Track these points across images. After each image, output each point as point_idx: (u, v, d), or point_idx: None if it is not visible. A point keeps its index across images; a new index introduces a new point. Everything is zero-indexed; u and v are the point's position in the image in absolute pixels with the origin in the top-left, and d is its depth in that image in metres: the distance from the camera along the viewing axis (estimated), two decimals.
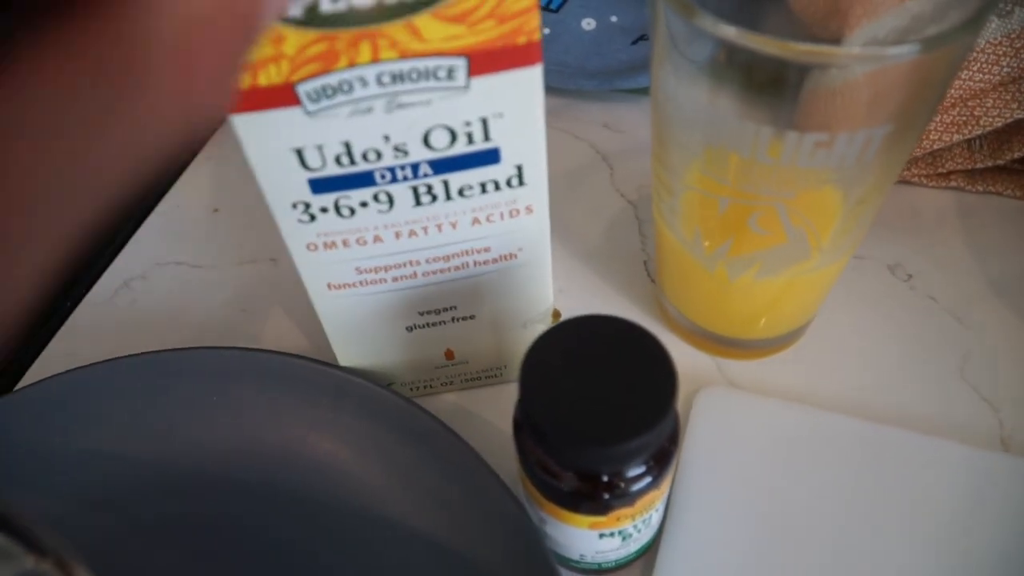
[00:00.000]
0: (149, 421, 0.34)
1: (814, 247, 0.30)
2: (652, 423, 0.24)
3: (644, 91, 0.47)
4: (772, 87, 0.25)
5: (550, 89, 0.48)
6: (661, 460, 0.26)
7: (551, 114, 0.47)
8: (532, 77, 0.25)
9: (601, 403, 0.24)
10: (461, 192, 0.27)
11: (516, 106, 0.26)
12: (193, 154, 0.47)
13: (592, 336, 0.25)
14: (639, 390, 0.24)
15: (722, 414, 0.34)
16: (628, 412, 0.24)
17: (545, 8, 0.50)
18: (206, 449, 0.33)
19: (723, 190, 0.28)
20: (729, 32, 0.24)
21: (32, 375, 0.39)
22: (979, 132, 0.38)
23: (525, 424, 0.26)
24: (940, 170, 0.41)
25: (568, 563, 0.30)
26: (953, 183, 0.42)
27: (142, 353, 0.34)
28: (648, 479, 0.26)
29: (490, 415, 0.36)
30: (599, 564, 0.30)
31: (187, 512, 0.32)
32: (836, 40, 0.33)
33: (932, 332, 0.37)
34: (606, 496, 0.26)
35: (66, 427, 0.33)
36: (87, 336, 0.40)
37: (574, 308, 0.39)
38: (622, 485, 0.26)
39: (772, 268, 0.30)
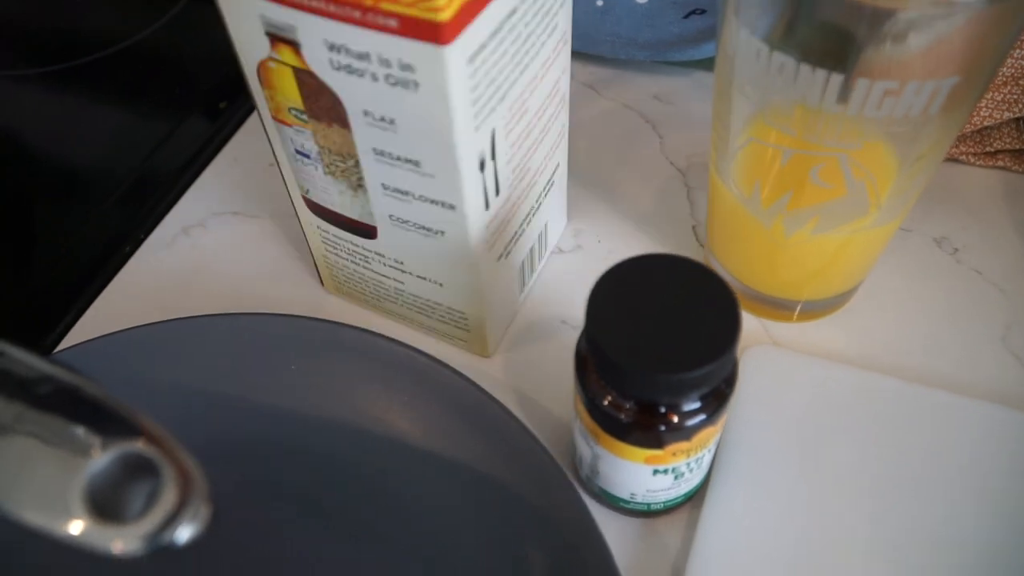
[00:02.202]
0: (223, 385, 0.34)
1: (872, 202, 0.30)
2: (714, 356, 0.24)
3: (695, 64, 0.48)
4: (840, 39, 0.26)
5: (602, 60, 0.49)
6: (717, 398, 0.27)
7: (602, 84, 0.48)
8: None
9: (665, 335, 0.25)
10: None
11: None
12: (249, 111, 0.48)
13: (659, 273, 0.26)
14: (702, 326, 0.25)
15: (769, 372, 0.35)
16: (691, 345, 0.24)
17: None
18: (280, 417, 0.34)
19: (787, 140, 0.29)
20: None
21: (90, 316, 0.40)
22: None
23: (589, 352, 0.27)
24: (988, 148, 0.42)
25: (618, 503, 0.31)
26: (1000, 162, 0.42)
27: (220, 314, 0.35)
28: (703, 415, 0.26)
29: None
30: (648, 504, 0.31)
31: (254, 479, 0.33)
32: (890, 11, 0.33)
33: (976, 302, 0.38)
34: (663, 428, 0.26)
35: (138, 385, 0.34)
36: (147, 278, 0.41)
37: None
38: (678, 419, 0.26)
39: (829, 224, 0.31)
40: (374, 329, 0.35)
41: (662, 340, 0.25)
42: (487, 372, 0.37)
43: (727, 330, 0.25)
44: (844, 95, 0.26)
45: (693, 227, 0.41)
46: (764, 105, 0.29)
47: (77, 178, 0.47)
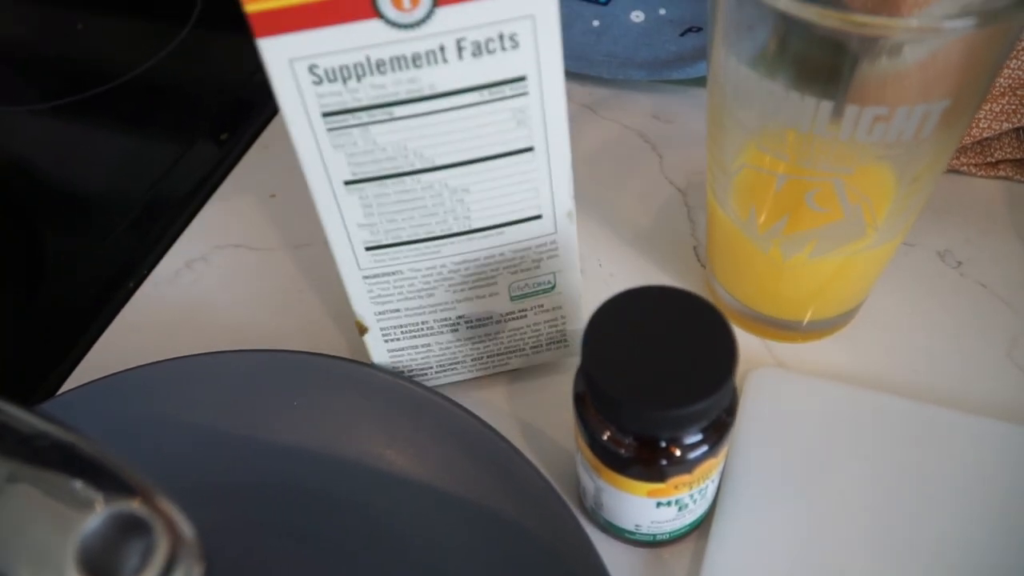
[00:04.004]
0: (223, 422, 0.34)
1: (869, 224, 0.30)
2: (712, 390, 0.24)
3: (693, 82, 0.48)
4: (828, 64, 0.26)
5: (599, 80, 0.49)
6: (718, 429, 0.26)
7: (600, 104, 0.48)
8: None
9: (662, 369, 0.25)
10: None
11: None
12: (249, 143, 0.49)
13: (654, 306, 0.26)
14: (700, 358, 0.25)
15: (773, 394, 0.34)
16: (689, 378, 0.24)
17: (594, 1, 0.51)
18: (282, 455, 0.34)
19: (780, 166, 0.29)
20: (791, 5, 0.24)
21: (96, 353, 0.40)
22: None
23: (587, 389, 0.27)
24: (989, 159, 0.41)
25: (623, 534, 0.31)
26: (1002, 172, 0.42)
27: (221, 352, 0.35)
28: (705, 447, 0.26)
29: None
30: (654, 535, 0.30)
31: (256, 517, 0.33)
32: None
33: (981, 316, 0.37)
34: (664, 462, 0.26)
35: (138, 425, 0.34)
36: (151, 313, 0.41)
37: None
38: (680, 452, 0.26)
39: (827, 247, 0.31)
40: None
41: (659, 374, 0.25)
42: (491, 402, 0.37)
43: (724, 361, 0.25)
44: (835, 121, 0.26)
45: (694, 248, 0.41)
46: (757, 131, 0.29)
47: (81, 213, 0.47)
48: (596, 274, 0.40)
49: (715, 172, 0.33)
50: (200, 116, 0.51)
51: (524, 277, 0.33)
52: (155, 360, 0.35)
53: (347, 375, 0.35)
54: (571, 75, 0.49)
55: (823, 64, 0.26)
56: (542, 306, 0.34)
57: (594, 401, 0.26)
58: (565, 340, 0.36)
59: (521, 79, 0.26)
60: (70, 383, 0.39)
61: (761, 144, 0.28)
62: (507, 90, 0.26)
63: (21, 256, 0.46)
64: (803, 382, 0.35)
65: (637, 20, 0.49)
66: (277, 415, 0.34)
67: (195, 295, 0.42)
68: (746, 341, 0.37)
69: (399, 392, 0.34)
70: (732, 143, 0.30)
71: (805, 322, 0.36)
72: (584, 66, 0.48)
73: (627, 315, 0.26)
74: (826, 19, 0.24)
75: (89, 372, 0.39)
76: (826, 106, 0.26)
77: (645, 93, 0.48)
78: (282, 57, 0.25)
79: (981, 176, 0.42)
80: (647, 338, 0.25)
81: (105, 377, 0.35)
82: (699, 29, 0.48)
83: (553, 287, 0.33)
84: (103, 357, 0.40)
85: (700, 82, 0.48)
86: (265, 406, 0.34)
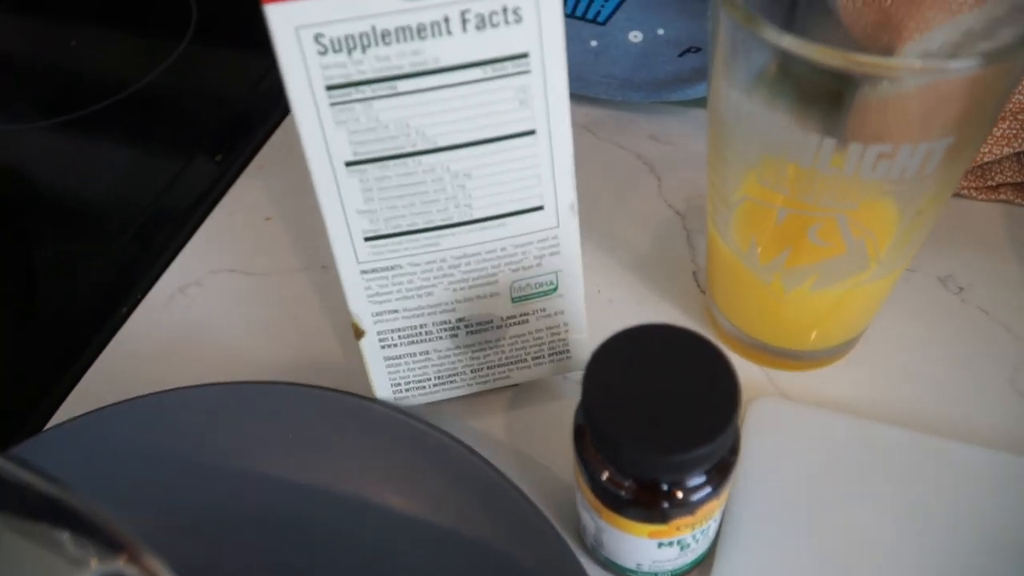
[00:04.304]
0: (217, 456, 0.34)
1: (872, 258, 0.30)
2: (715, 433, 0.24)
3: (692, 103, 0.48)
4: (829, 97, 0.26)
5: (597, 101, 0.48)
6: (722, 470, 0.26)
7: (597, 125, 0.48)
8: None
9: (664, 412, 0.24)
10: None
11: None
12: (245, 163, 0.48)
13: (654, 345, 0.26)
14: (701, 400, 0.24)
15: (775, 425, 0.34)
16: (691, 422, 0.24)
17: (592, 21, 0.50)
18: (277, 489, 0.33)
19: (782, 200, 0.28)
20: (792, 43, 0.24)
21: (89, 381, 0.39)
22: None
23: (587, 431, 0.26)
24: (990, 182, 0.41)
25: (625, 572, 0.30)
26: (1002, 196, 0.42)
27: (215, 384, 0.35)
28: (708, 489, 0.26)
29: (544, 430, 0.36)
30: (655, 574, 0.30)
31: (250, 552, 0.32)
32: (887, 52, 0.33)
33: (983, 343, 0.37)
34: (666, 505, 0.26)
35: (130, 460, 0.34)
36: (145, 340, 0.41)
37: (623, 319, 0.39)
38: (682, 495, 0.26)
39: (829, 279, 0.31)
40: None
41: (662, 417, 0.24)
42: (489, 434, 0.36)
43: (727, 403, 0.24)
44: (838, 157, 0.26)
45: (694, 273, 0.41)
46: (757, 164, 0.28)
47: (73, 236, 0.46)
48: (596, 300, 0.40)
49: (715, 202, 0.32)
50: (195, 135, 0.51)
51: (525, 276, 0.32)
52: (148, 391, 0.35)
53: (343, 408, 0.34)
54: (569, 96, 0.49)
55: (824, 95, 0.26)
56: (544, 311, 0.34)
57: (594, 442, 0.26)
58: (568, 351, 0.35)
59: (523, 56, 0.27)
60: (62, 413, 0.38)
61: (762, 177, 0.28)
62: (510, 67, 0.27)
63: (12, 281, 0.45)
64: (805, 413, 0.34)
65: (635, 40, 0.49)
66: (272, 449, 0.34)
67: (189, 321, 0.41)
68: (746, 369, 0.37)
69: (396, 426, 0.33)
70: (733, 174, 0.30)
71: (806, 351, 0.35)
72: (581, 87, 0.48)
73: (629, 353, 0.26)
74: (829, 59, 0.24)
75: (81, 401, 0.39)
76: (829, 143, 0.25)
77: (643, 114, 0.48)
78: (288, 25, 0.25)
79: (982, 200, 0.42)
80: (649, 378, 0.25)
81: (97, 410, 0.34)
82: (698, 49, 0.48)
83: (555, 288, 0.33)
84: (96, 385, 0.39)
85: (699, 103, 0.48)
86: (259, 440, 0.34)
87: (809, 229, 0.29)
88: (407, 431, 0.33)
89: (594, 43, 0.49)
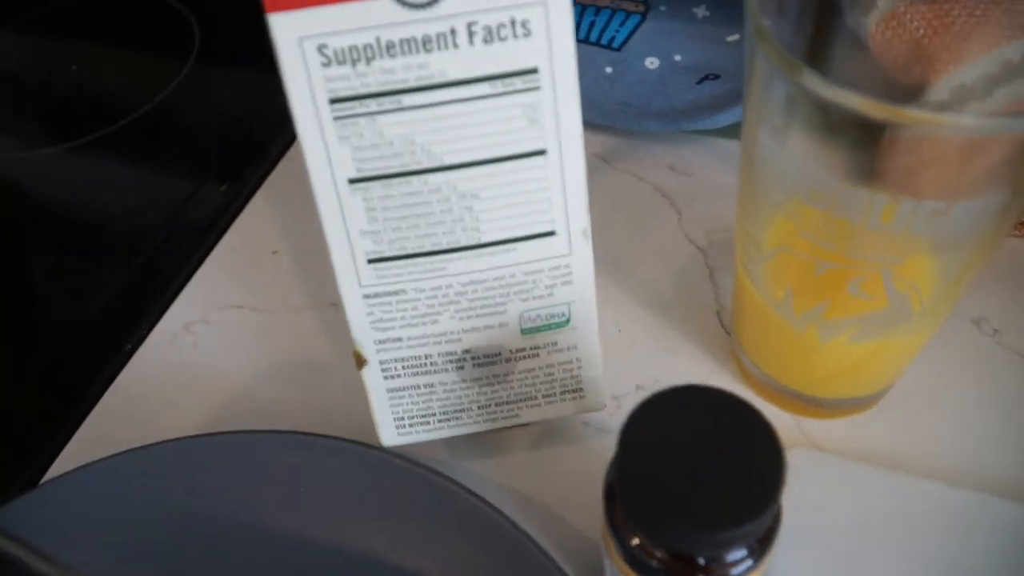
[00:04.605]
0: (223, 509, 0.33)
1: (916, 311, 0.28)
2: (761, 508, 0.22)
3: (711, 131, 0.46)
4: (874, 147, 0.24)
5: (612, 129, 0.47)
6: (764, 542, 0.25)
7: (613, 155, 0.47)
8: None
9: (704, 483, 0.23)
10: None
11: None
12: (251, 193, 0.47)
13: (694, 407, 0.24)
14: (745, 471, 0.23)
15: (807, 478, 0.33)
16: (735, 494, 0.23)
17: (607, 47, 0.49)
18: (288, 545, 0.32)
19: (823, 253, 0.27)
20: (836, 94, 0.23)
21: (91, 425, 0.38)
22: None
23: (620, 498, 0.25)
24: (1022, 219, 0.40)
25: None
26: None
27: (226, 432, 0.33)
28: (750, 562, 0.24)
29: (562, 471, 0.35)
30: None
31: None
32: (920, 86, 0.32)
33: (1020, 388, 0.36)
34: None
35: (132, 513, 0.32)
36: (148, 381, 0.39)
37: (645, 361, 0.38)
38: (720, 569, 0.24)
39: (868, 331, 0.29)
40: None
41: (702, 487, 0.23)
42: (500, 479, 0.35)
43: (773, 475, 0.23)
44: (888, 213, 0.24)
45: (718, 312, 0.39)
46: (797, 215, 0.27)
47: (75, 270, 0.45)
48: (616, 341, 0.39)
49: (746, 247, 0.31)
50: (200, 163, 0.50)
51: (536, 306, 0.31)
52: (151, 438, 0.34)
53: (355, 458, 0.33)
54: (583, 124, 0.47)
55: (870, 144, 0.24)
56: (556, 344, 0.32)
57: (626, 511, 0.25)
58: (581, 389, 0.34)
59: (533, 71, 0.26)
60: (61, 462, 0.37)
61: (802, 229, 0.27)
62: (518, 82, 0.26)
63: (10, 318, 0.44)
64: (838, 465, 0.33)
65: (652, 67, 0.48)
66: (281, 502, 0.32)
67: (194, 360, 0.40)
68: (775, 416, 0.36)
69: (411, 479, 0.32)
70: (768, 222, 0.29)
71: (838, 399, 0.34)
72: (597, 115, 0.46)
73: (667, 415, 0.24)
74: (876, 112, 0.22)
75: (81, 449, 0.37)
76: (880, 199, 0.24)
77: (661, 144, 0.47)
78: (292, 35, 0.25)
79: (1015, 236, 0.41)
80: (689, 443, 0.24)
81: (98, 461, 0.33)
82: (716, 76, 0.47)
83: (567, 321, 0.32)
84: (97, 430, 0.38)
85: (719, 132, 0.46)
86: (268, 493, 0.33)
87: (850, 282, 0.27)
88: (422, 484, 0.32)
89: (609, 69, 0.48)
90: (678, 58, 0.48)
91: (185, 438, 0.33)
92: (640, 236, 0.43)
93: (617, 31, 0.49)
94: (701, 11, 0.49)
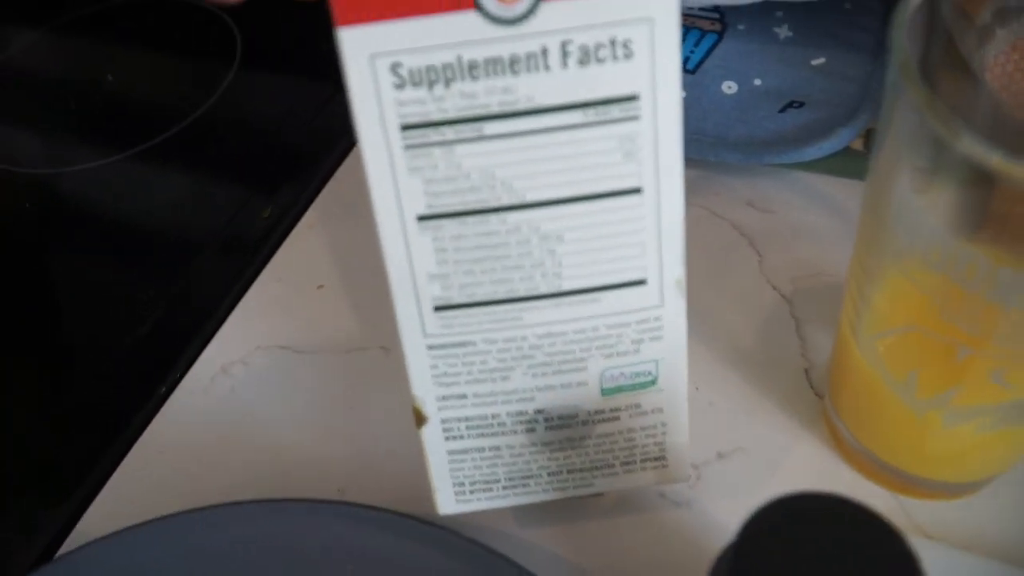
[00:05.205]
0: None
1: None
2: None
3: (792, 164, 0.43)
4: None
5: (687, 160, 0.43)
6: None
7: (687, 187, 0.43)
8: None
9: None
10: None
11: None
12: (295, 219, 0.44)
13: (819, 520, 0.21)
14: None
15: None
16: None
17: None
18: None
19: (969, 340, 0.23)
20: (1010, 169, 0.19)
21: (119, 480, 0.35)
22: None
23: None
24: None
25: None
26: None
27: (264, 501, 0.30)
28: None
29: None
30: None
31: None
32: None
33: None
34: None
35: None
36: (183, 430, 0.36)
37: (725, 424, 0.34)
38: None
39: (1001, 421, 0.26)
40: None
41: None
42: (572, 559, 0.32)
43: None
44: None
45: (806, 371, 0.36)
46: (939, 294, 0.23)
47: (106, 306, 0.42)
48: (694, 400, 0.35)
49: (859, 310, 0.27)
50: (243, 184, 0.46)
51: (620, 363, 0.28)
52: (182, 499, 0.31)
53: (410, 536, 0.30)
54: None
55: None
56: (639, 406, 0.29)
57: None
58: (664, 457, 0.31)
59: (633, 99, 0.23)
60: (86, 524, 0.34)
61: (945, 312, 0.23)
62: (616, 111, 0.23)
63: (39, 363, 0.41)
64: (949, 556, 0.30)
65: (729, 92, 0.44)
66: None
67: (233, 407, 0.37)
68: (873, 493, 0.32)
69: (474, 562, 0.29)
70: (897, 295, 0.25)
71: (950, 483, 0.31)
72: None
73: (786, 531, 0.21)
74: None
75: (108, 509, 0.34)
76: None
77: (738, 176, 0.43)
78: (363, 52, 0.23)
79: None
80: (812, 565, 0.20)
81: (118, 533, 0.30)
82: (801, 104, 0.43)
83: (654, 381, 0.29)
84: (123, 490, 0.35)
85: (801, 165, 0.43)
86: (311, 571, 0.29)
87: (993, 371, 0.24)
88: (485, 568, 0.29)
89: (683, 94, 0.44)
90: (758, 83, 0.44)
91: (216, 507, 0.30)
92: (717, 280, 0.39)
93: (691, 51, 0.46)
94: (783, 31, 0.46)
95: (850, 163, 0.42)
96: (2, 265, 0.44)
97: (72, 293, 0.43)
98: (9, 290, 0.43)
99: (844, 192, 0.42)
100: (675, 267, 0.27)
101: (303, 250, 0.43)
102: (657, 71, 0.23)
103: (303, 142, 0.48)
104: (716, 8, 0.47)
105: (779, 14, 0.46)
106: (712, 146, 0.42)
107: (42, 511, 0.34)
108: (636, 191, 0.25)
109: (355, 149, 0.45)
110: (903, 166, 0.23)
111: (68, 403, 0.38)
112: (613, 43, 0.22)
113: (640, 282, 0.26)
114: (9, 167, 0.48)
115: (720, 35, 0.46)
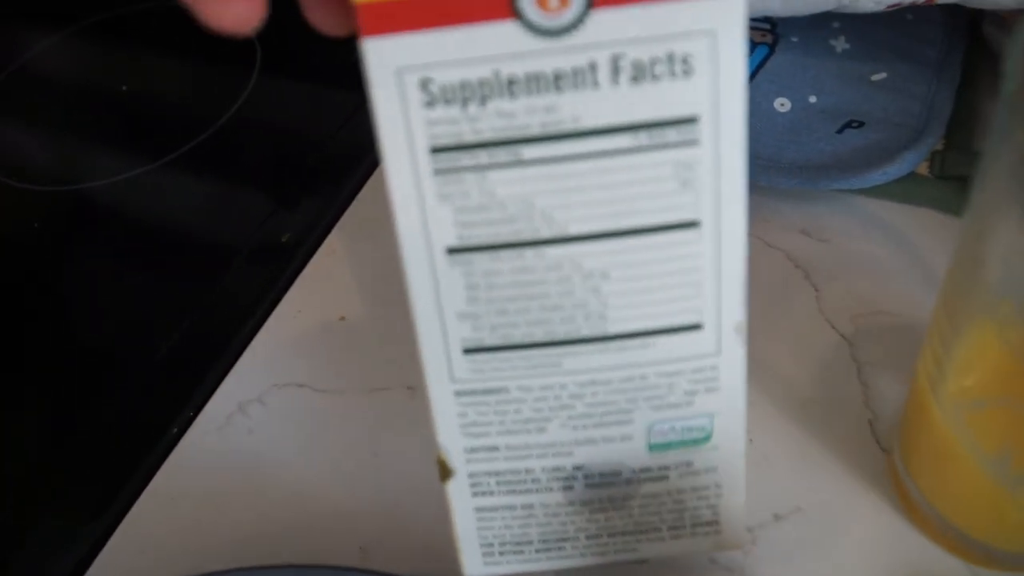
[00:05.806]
0: None
1: None
2: None
3: (850, 189, 0.40)
4: None
5: None
6: None
7: None
8: None
9: None
10: None
11: None
12: (316, 245, 0.41)
13: None
14: None
15: None
16: None
17: None
18: None
19: None
20: None
21: (123, 534, 0.33)
22: None
23: None
24: None
25: None
26: None
27: (277, 567, 0.28)
28: None
29: None
30: None
31: None
32: None
33: None
34: None
35: None
36: (195, 475, 0.34)
37: (782, 481, 0.32)
38: None
39: None
40: None
41: None
42: None
43: None
44: None
45: (870, 422, 0.33)
46: None
47: (114, 341, 0.40)
48: (747, 453, 0.32)
49: (943, 368, 0.25)
50: (258, 207, 0.44)
51: (670, 416, 0.26)
52: (187, 564, 0.29)
53: None
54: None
55: None
56: (690, 465, 0.27)
57: None
58: (716, 522, 0.28)
59: (691, 121, 0.21)
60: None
61: None
62: (672, 134, 0.21)
63: (49, 402, 0.39)
64: None
65: (782, 110, 0.41)
66: None
67: (249, 449, 0.35)
68: (944, 561, 0.29)
69: None
70: (987, 356, 0.22)
71: None
72: None
73: None
74: None
75: (112, 565, 0.32)
76: None
77: (791, 202, 0.40)
78: (390, 65, 0.20)
79: None
80: None
81: None
82: (860, 124, 0.40)
83: (708, 437, 0.26)
84: (131, 540, 0.33)
85: (862, 190, 0.40)
86: None
87: None
88: None
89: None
90: (813, 100, 0.41)
91: (227, 572, 0.28)
92: (771, 317, 0.36)
93: None
94: (840, 43, 0.43)
95: (913, 188, 0.39)
96: (10, 286, 0.42)
97: (77, 322, 0.41)
98: (15, 315, 0.41)
99: (906, 220, 0.39)
100: (735, 311, 0.24)
101: (326, 277, 0.40)
102: (720, 90, 0.21)
103: (326, 157, 0.45)
104: (767, 18, 0.44)
105: (836, 25, 0.43)
106: (763, 170, 0.39)
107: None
108: (693, 224, 0.22)
109: (380, 167, 0.43)
110: (1010, 207, 0.20)
111: (69, 450, 0.36)
112: (671, 58, 0.20)
113: (695, 327, 0.24)
114: (11, 182, 0.46)
115: (772, 47, 0.43)
